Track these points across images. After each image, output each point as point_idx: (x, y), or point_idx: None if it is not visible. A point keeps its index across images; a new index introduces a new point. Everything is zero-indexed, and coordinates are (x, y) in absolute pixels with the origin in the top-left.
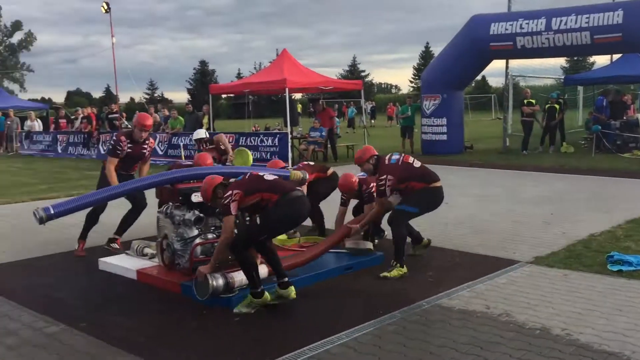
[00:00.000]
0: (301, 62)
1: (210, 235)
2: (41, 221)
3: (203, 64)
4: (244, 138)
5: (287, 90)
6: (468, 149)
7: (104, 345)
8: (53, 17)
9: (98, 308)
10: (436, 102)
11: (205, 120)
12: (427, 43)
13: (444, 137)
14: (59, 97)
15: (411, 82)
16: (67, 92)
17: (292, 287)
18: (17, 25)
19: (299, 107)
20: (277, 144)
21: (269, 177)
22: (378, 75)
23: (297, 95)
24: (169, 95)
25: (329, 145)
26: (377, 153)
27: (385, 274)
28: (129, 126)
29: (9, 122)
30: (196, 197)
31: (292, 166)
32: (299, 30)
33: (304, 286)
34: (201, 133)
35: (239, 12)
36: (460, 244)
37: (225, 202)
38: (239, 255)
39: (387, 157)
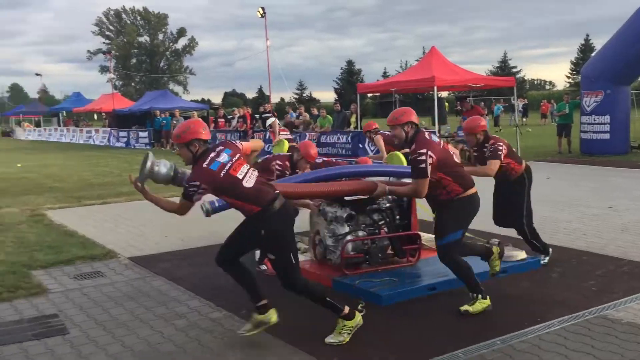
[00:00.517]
0: (449, 59)
1: (360, 233)
2: (207, 213)
3: (350, 63)
4: None
5: (435, 88)
6: (635, 149)
7: (263, 334)
8: (212, 23)
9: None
10: (598, 99)
11: (352, 119)
12: (587, 35)
13: (606, 136)
14: (216, 98)
15: (568, 77)
16: (224, 93)
17: (273, 310)
18: (181, 32)
19: (447, 106)
20: None
21: None
22: (530, 71)
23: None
24: (316, 94)
25: None
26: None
27: (467, 307)
28: (281, 125)
29: (174, 122)
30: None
31: None
32: (445, 27)
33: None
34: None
35: (384, 11)
36: (630, 252)
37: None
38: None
39: (427, 133)
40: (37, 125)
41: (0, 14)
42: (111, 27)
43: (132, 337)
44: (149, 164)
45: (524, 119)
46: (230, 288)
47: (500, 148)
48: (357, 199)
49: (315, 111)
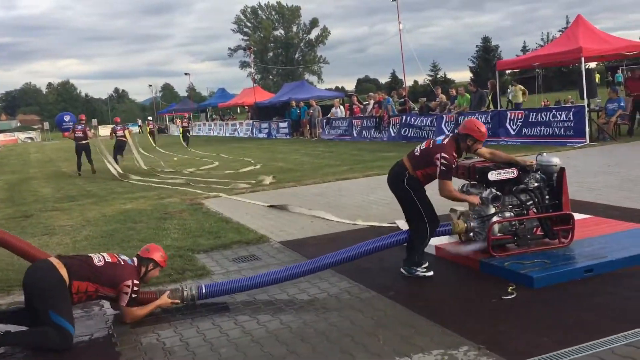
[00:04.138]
0: (597, 27)
1: (507, 214)
2: (192, 299)
3: (485, 40)
4: (534, 114)
5: (582, 59)
6: None
7: (411, 314)
8: (343, 11)
9: (401, 279)
10: None
11: (490, 97)
12: None
13: None
14: (350, 85)
15: None
16: (357, 79)
17: None
18: (314, 23)
19: (597, 77)
20: (572, 119)
21: None
22: None
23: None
24: (451, 75)
25: (637, 117)
26: None
27: None
28: (415, 109)
29: (311, 111)
30: (493, 175)
31: (589, 141)
32: None
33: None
34: None
35: None
36: None
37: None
38: None
39: None
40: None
41: (150, 19)
42: (248, 24)
43: (288, 316)
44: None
45: None
46: (377, 270)
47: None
48: (502, 179)
49: (454, 92)
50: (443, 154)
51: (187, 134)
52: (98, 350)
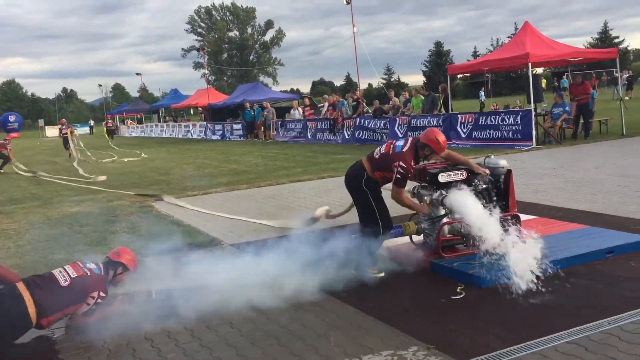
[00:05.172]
0: (544, 34)
1: (457, 215)
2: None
3: (438, 45)
4: (483, 117)
5: (529, 65)
6: None
7: (362, 315)
8: (298, 13)
9: (353, 281)
10: None
11: (441, 101)
12: None
13: None
14: (305, 87)
15: None
16: (312, 82)
17: None
18: (269, 24)
19: (544, 82)
20: (519, 122)
21: None
22: (635, 41)
23: (539, 70)
24: (404, 78)
25: (581, 122)
26: None
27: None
28: (369, 111)
29: (265, 113)
30: (443, 177)
31: (535, 144)
32: None
33: (563, 268)
34: None
35: None
36: None
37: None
38: None
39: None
40: (140, 122)
41: (101, 18)
42: (202, 24)
43: (238, 319)
44: None
45: (630, 92)
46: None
47: None
48: (451, 181)
49: (406, 95)
50: (401, 163)
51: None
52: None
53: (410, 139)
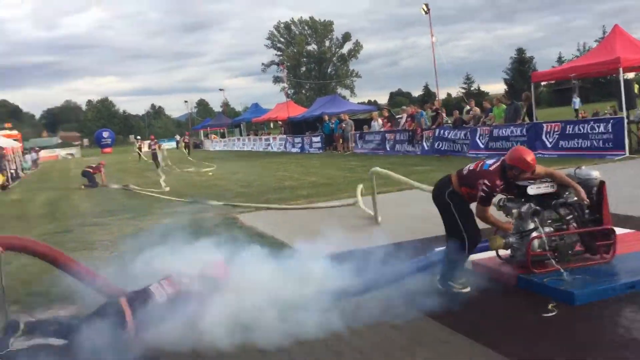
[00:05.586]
0: (635, 37)
1: (547, 229)
2: None
3: (520, 51)
4: (571, 126)
5: (620, 69)
6: None
7: (447, 330)
8: (375, 25)
9: (437, 295)
10: None
11: (525, 110)
12: None
13: None
14: (383, 99)
15: None
16: (390, 93)
17: None
18: (346, 37)
19: (636, 88)
20: (610, 130)
21: None
22: None
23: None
24: (485, 87)
25: None
26: None
27: None
28: (449, 122)
29: (343, 125)
30: (532, 189)
31: (628, 153)
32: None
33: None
34: None
35: None
36: None
37: None
38: None
39: None
40: (222, 136)
41: (187, 37)
42: (282, 39)
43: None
44: None
45: None
46: (411, 285)
47: None
48: (541, 193)
49: (487, 104)
50: (486, 181)
51: (157, 154)
52: None
53: (501, 159)
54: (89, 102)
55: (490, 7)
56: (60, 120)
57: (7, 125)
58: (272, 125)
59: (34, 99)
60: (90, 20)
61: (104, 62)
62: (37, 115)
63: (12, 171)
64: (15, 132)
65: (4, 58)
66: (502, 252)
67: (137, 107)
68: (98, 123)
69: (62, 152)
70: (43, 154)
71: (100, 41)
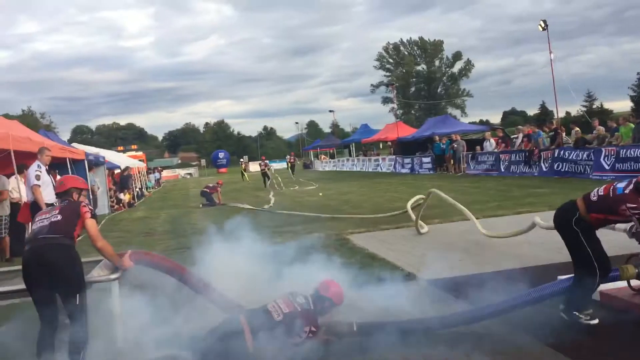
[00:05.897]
0: None
1: None
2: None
3: None
4: None
5: None
6: None
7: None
8: (487, 43)
9: (561, 325)
10: None
11: None
12: None
13: None
14: (495, 118)
15: None
16: (503, 112)
17: None
18: (457, 56)
19: None
20: None
21: None
22: None
23: None
24: (608, 105)
25: None
26: None
27: None
28: (569, 141)
29: (455, 145)
30: None
31: None
32: None
33: None
34: None
35: None
36: None
37: None
38: None
39: None
40: (332, 156)
41: (297, 60)
42: (390, 60)
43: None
44: None
45: None
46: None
47: None
48: None
49: (613, 124)
50: (629, 204)
51: (267, 174)
52: None
53: (633, 180)
54: (206, 124)
55: (614, 20)
56: (180, 142)
57: (133, 147)
58: (381, 145)
59: (157, 122)
60: (207, 47)
61: (220, 86)
62: (160, 137)
63: (138, 190)
64: (140, 153)
65: (132, 84)
66: (634, 282)
67: (250, 128)
68: (214, 144)
69: (182, 172)
70: (165, 173)
71: (216, 66)
